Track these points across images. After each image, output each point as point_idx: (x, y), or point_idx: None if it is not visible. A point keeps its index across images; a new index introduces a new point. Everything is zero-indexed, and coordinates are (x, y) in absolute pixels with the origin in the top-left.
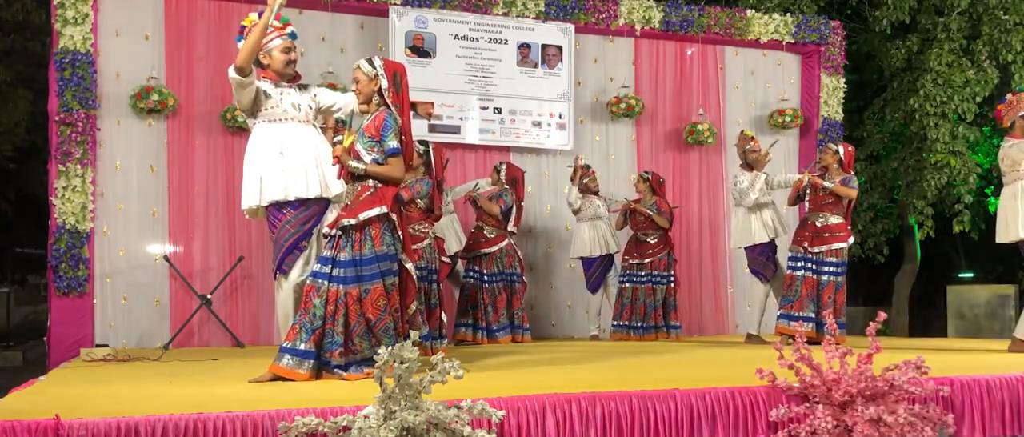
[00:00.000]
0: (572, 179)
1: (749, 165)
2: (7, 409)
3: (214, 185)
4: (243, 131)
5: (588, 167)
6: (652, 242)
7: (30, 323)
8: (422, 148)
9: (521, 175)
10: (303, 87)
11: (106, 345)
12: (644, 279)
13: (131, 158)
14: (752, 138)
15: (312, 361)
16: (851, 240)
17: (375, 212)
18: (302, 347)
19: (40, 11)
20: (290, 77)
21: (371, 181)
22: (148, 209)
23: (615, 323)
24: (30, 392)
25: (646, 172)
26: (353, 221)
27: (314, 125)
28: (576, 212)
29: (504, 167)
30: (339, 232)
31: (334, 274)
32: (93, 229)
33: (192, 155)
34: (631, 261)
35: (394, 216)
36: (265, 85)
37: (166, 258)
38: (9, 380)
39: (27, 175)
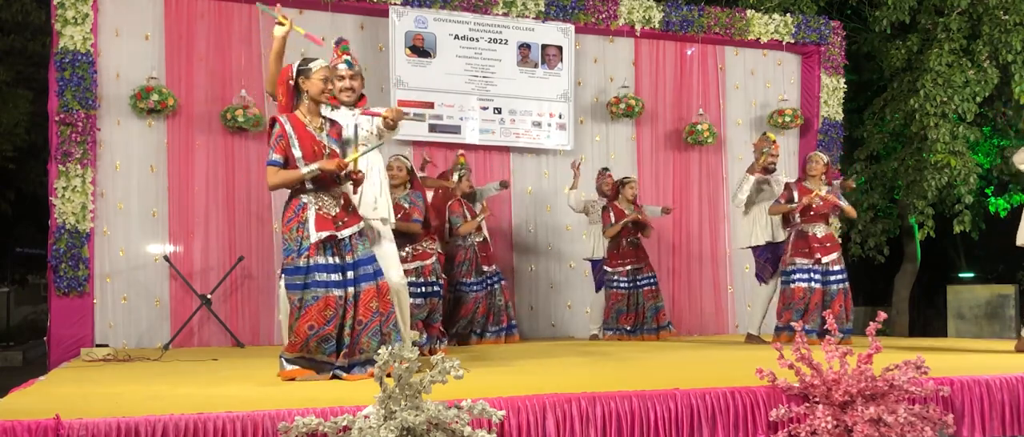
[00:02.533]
0: (573, 183)
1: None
2: (7, 409)
3: (214, 185)
4: (243, 131)
5: (606, 170)
6: (643, 244)
7: (30, 323)
8: (409, 163)
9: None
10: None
11: (106, 345)
12: (644, 282)
13: (131, 158)
14: (774, 142)
15: (330, 369)
16: None
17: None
18: (322, 358)
19: (40, 11)
20: (349, 104)
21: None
22: (148, 209)
23: (619, 327)
24: (30, 392)
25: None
26: (360, 225)
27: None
28: (586, 213)
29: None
30: (351, 233)
31: (343, 279)
32: (93, 229)
33: (192, 155)
34: (628, 268)
35: None
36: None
37: (166, 258)
38: (9, 380)
39: (27, 175)
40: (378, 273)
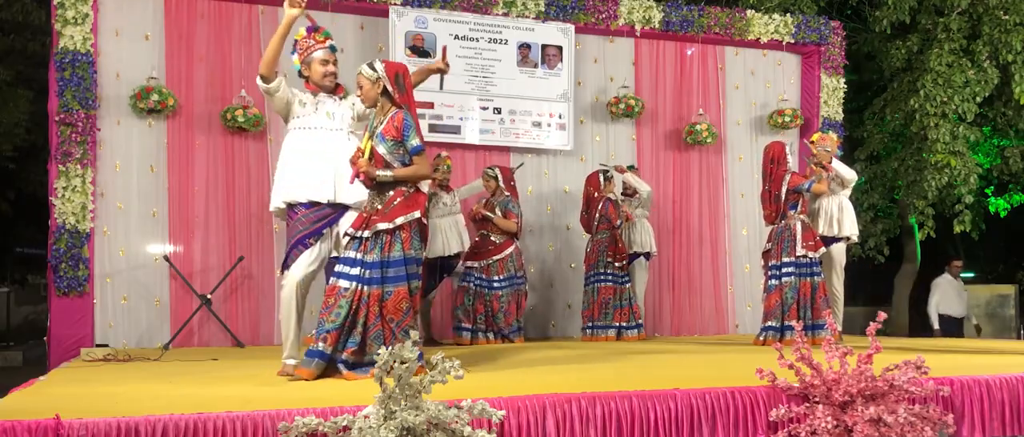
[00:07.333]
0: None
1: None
2: (7, 409)
3: (214, 185)
4: (243, 131)
5: (632, 167)
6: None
7: (30, 323)
8: (493, 172)
9: (510, 172)
10: (343, 96)
11: (106, 345)
12: (624, 278)
13: (131, 158)
14: (812, 142)
15: (320, 360)
16: None
17: (412, 217)
18: (320, 347)
19: (40, 11)
20: (330, 88)
21: (404, 185)
22: (148, 209)
23: (609, 325)
24: (30, 392)
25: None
26: (388, 225)
27: (352, 133)
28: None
29: (499, 172)
30: (369, 234)
31: (360, 275)
32: (93, 229)
33: (192, 155)
34: (616, 265)
35: (425, 220)
36: (304, 95)
37: (166, 258)
38: (9, 380)
39: (27, 175)
40: (385, 280)
